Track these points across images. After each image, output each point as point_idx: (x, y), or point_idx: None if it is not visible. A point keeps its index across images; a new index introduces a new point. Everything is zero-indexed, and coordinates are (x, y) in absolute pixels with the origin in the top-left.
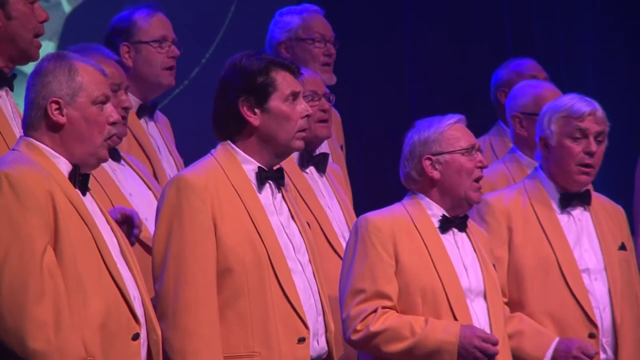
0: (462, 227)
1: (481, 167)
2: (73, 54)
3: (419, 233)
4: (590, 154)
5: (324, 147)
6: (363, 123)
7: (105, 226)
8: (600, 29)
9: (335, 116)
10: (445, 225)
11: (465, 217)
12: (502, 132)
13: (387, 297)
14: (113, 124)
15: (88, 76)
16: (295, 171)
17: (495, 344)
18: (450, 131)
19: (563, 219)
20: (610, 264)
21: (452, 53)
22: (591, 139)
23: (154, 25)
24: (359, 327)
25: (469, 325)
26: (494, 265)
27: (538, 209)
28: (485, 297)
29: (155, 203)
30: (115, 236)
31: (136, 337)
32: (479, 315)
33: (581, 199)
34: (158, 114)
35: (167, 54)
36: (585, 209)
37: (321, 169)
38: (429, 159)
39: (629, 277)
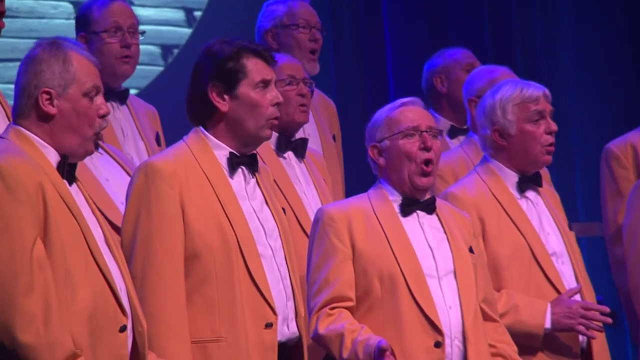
0: (429, 210)
1: (425, 149)
2: (68, 42)
3: (378, 219)
4: (552, 133)
5: (313, 136)
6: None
7: (91, 217)
8: (578, 24)
9: (330, 105)
10: (406, 208)
11: (432, 199)
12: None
13: (346, 298)
14: (103, 116)
15: (81, 67)
16: (271, 156)
17: None
18: (394, 115)
19: (523, 204)
20: (570, 246)
21: (431, 47)
22: (548, 118)
23: (106, 14)
24: (312, 327)
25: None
26: (471, 248)
27: (500, 196)
28: (455, 276)
29: None
30: (101, 227)
31: (123, 328)
32: (447, 294)
33: (535, 182)
34: (140, 102)
35: (121, 43)
36: (537, 193)
37: (300, 154)
38: (375, 146)
39: (580, 258)
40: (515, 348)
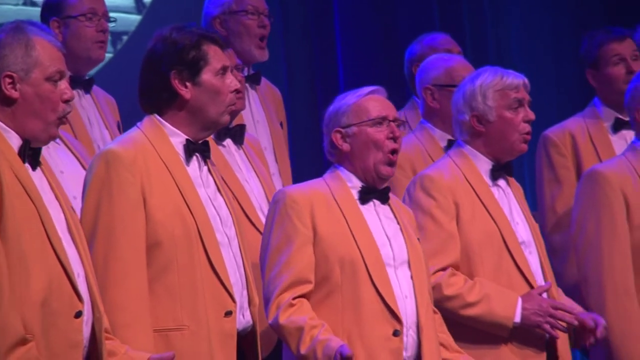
0: (384, 199)
1: (394, 139)
2: (32, 27)
3: (338, 205)
4: (529, 122)
5: (262, 123)
6: (294, 98)
7: (53, 202)
8: (526, 13)
9: (276, 93)
10: (365, 196)
11: (387, 189)
12: (416, 107)
13: (306, 280)
14: (67, 101)
15: (44, 52)
16: (211, 144)
17: None
18: (361, 102)
19: (495, 192)
20: (536, 236)
21: (381, 34)
22: (527, 107)
23: (83, 0)
24: (273, 314)
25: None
26: (418, 240)
27: (473, 182)
28: (409, 267)
29: None
30: (63, 212)
31: (79, 314)
32: (402, 283)
33: (507, 171)
34: (101, 91)
35: (97, 28)
36: (507, 182)
37: (238, 141)
38: (339, 131)
39: (545, 251)
40: (451, 339)
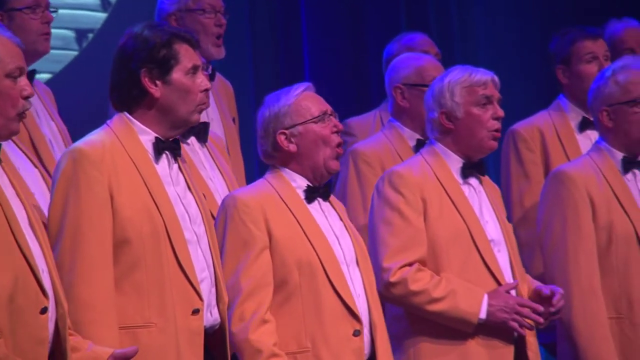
0: (326, 196)
1: (337, 132)
2: None
3: (287, 206)
4: (498, 119)
5: (216, 119)
6: (258, 98)
7: (14, 199)
8: (494, 7)
9: (228, 88)
10: (311, 195)
11: (328, 186)
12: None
13: (269, 283)
14: (26, 98)
15: (3, 48)
16: None
17: None
18: (299, 101)
19: (465, 190)
20: (507, 235)
21: (348, 31)
22: (495, 104)
23: None
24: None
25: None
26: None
27: (443, 180)
28: (357, 264)
29: (40, 179)
30: (25, 209)
31: (44, 310)
32: (355, 282)
33: (479, 169)
34: (38, 82)
35: (41, 20)
36: (480, 181)
37: (202, 138)
38: (283, 133)
39: (517, 249)
40: None
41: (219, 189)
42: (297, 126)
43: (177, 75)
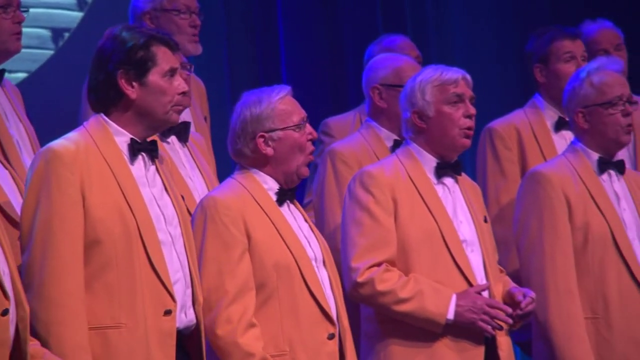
0: (293, 199)
1: (312, 140)
2: None
3: (262, 208)
4: (470, 117)
5: (187, 118)
6: (234, 98)
7: None
8: (470, 10)
9: (200, 87)
10: (282, 197)
11: (296, 188)
12: None
13: (251, 288)
14: None
15: None
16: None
17: None
18: (281, 106)
19: (439, 190)
20: (482, 236)
21: (324, 31)
22: (467, 102)
23: None
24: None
25: None
26: None
27: (417, 180)
28: (324, 265)
29: (11, 180)
30: None
31: (5, 312)
32: (325, 283)
33: (454, 169)
34: (7, 82)
35: (13, 20)
36: (455, 181)
37: (183, 138)
38: (262, 136)
39: (493, 250)
40: None
41: (198, 188)
42: (278, 131)
43: (154, 77)
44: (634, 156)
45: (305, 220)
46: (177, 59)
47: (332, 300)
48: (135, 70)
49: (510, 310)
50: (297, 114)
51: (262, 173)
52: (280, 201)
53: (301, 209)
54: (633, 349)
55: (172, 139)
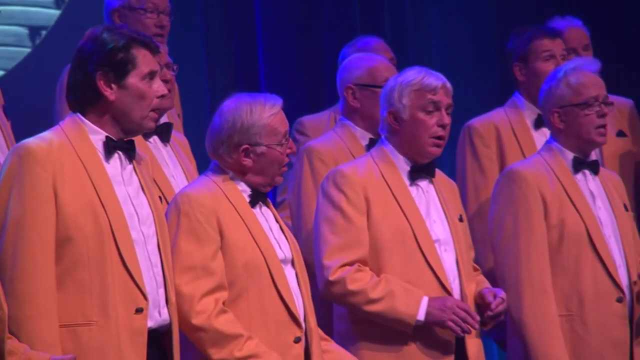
0: (265, 200)
1: (290, 154)
2: None
3: (235, 208)
4: (443, 126)
5: (168, 118)
6: (212, 98)
7: None
8: (448, 11)
9: (173, 85)
10: (255, 200)
11: (268, 191)
12: None
13: (225, 287)
14: None
15: None
16: (139, 141)
17: None
18: (271, 122)
19: (413, 190)
20: (456, 235)
21: (302, 30)
22: (443, 111)
23: None
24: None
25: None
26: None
27: (390, 180)
28: (293, 265)
29: None
30: None
31: None
32: (292, 283)
33: (427, 171)
34: None
35: None
36: (430, 181)
37: (165, 138)
38: (246, 149)
39: (467, 249)
40: None
41: (180, 186)
42: (262, 146)
43: (133, 80)
44: (601, 156)
45: (277, 221)
46: (157, 61)
47: (300, 301)
48: (115, 72)
49: (477, 317)
50: (283, 130)
51: (236, 177)
52: (253, 203)
53: (273, 209)
54: (607, 347)
55: (154, 138)
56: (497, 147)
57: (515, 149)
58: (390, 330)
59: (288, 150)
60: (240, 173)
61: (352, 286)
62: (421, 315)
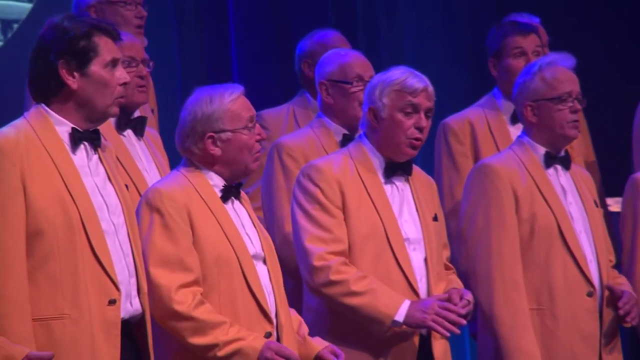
0: (238, 195)
1: (260, 140)
2: None
3: (206, 203)
4: (421, 129)
5: (142, 112)
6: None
7: None
8: (420, 7)
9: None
10: (227, 194)
11: (240, 185)
12: (306, 103)
13: (200, 282)
14: None
15: None
16: (113, 134)
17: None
18: (232, 107)
19: (387, 189)
20: (427, 235)
21: (274, 25)
22: (422, 114)
23: None
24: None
25: (271, 342)
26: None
27: (365, 177)
28: (265, 262)
29: None
30: None
31: None
32: (263, 279)
33: (404, 170)
34: None
35: None
36: (405, 180)
37: (139, 132)
38: (211, 137)
39: (440, 248)
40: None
41: (153, 180)
42: (227, 132)
43: (95, 67)
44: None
45: (250, 217)
46: (119, 49)
47: (272, 297)
48: (77, 60)
49: (462, 311)
50: (248, 114)
51: (207, 170)
52: (225, 198)
53: (247, 205)
54: (577, 341)
55: (128, 132)
56: (471, 144)
57: (490, 145)
58: (356, 327)
59: (257, 137)
60: (210, 165)
61: (334, 276)
62: (400, 317)
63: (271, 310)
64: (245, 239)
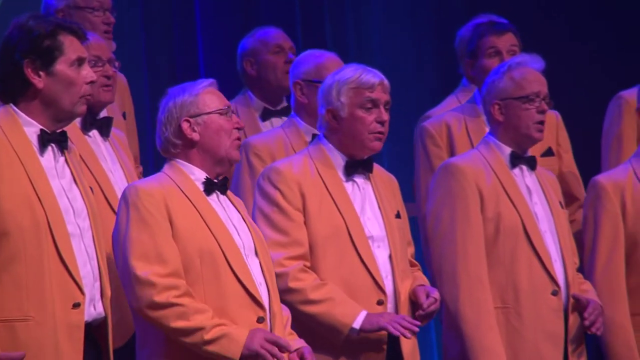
0: (224, 190)
1: (238, 128)
2: None
3: (187, 197)
4: (382, 123)
5: (108, 113)
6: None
7: None
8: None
9: (122, 83)
10: (209, 187)
11: (226, 180)
12: (248, 101)
13: (182, 274)
14: None
15: None
16: (78, 134)
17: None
18: (205, 94)
19: (348, 187)
20: (390, 232)
21: (242, 24)
22: (382, 108)
23: None
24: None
25: (259, 329)
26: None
27: (325, 177)
28: (256, 254)
29: None
30: None
31: None
32: (255, 271)
33: (364, 167)
34: None
35: None
36: (366, 178)
37: (105, 133)
38: (187, 121)
39: (404, 245)
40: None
41: (119, 182)
42: (202, 115)
43: (61, 66)
44: None
45: (238, 211)
46: (85, 48)
47: (264, 288)
48: (42, 59)
49: (418, 322)
50: (221, 101)
51: (188, 164)
52: (208, 191)
53: (235, 200)
54: (542, 339)
55: (94, 133)
56: (447, 146)
57: (466, 147)
58: (318, 334)
59: (235, 125)
60: (192, 154)
61: (292, 284)
62: (357, 324)
63: (264, 299)
64: (232, 231)
